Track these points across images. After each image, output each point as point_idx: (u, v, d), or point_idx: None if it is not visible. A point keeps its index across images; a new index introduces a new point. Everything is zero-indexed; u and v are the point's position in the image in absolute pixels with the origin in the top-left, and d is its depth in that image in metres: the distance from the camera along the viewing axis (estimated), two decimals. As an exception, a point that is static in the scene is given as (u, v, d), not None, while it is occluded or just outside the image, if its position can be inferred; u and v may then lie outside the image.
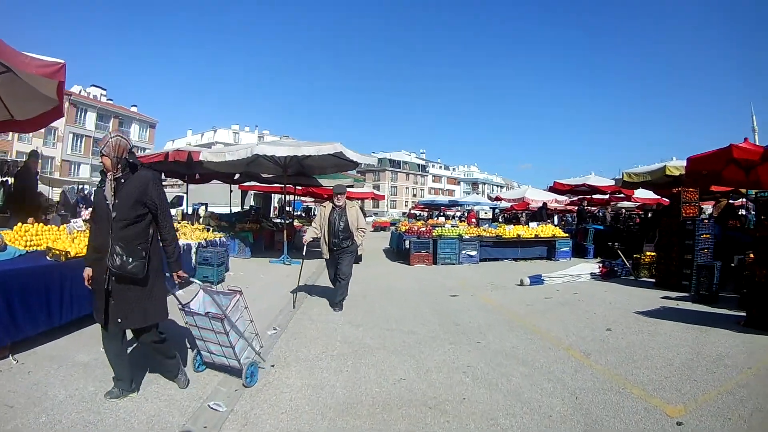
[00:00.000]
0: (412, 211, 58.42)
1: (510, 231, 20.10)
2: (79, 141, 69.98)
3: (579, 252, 21.41)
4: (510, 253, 20.02)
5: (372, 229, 51.08)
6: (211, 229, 16.53)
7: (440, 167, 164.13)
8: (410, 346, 7.41)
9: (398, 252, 21.24)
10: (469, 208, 49.44)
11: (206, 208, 24.63)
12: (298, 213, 41.50)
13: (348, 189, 28.64)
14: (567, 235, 21.40)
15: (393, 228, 28.54)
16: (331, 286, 10.57)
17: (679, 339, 7.90)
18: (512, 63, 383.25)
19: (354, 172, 25.83)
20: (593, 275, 15.02)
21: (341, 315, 9.54)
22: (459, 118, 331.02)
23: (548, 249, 20.67)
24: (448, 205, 54.32)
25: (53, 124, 63.75)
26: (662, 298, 11.78)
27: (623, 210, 38.23)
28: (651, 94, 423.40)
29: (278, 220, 26.70)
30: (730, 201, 19.35)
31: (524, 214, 39.35)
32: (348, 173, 25.21)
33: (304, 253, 10.56)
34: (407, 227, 20.79)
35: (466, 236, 19.13)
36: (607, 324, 8.95)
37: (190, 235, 13.72)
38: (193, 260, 12.70)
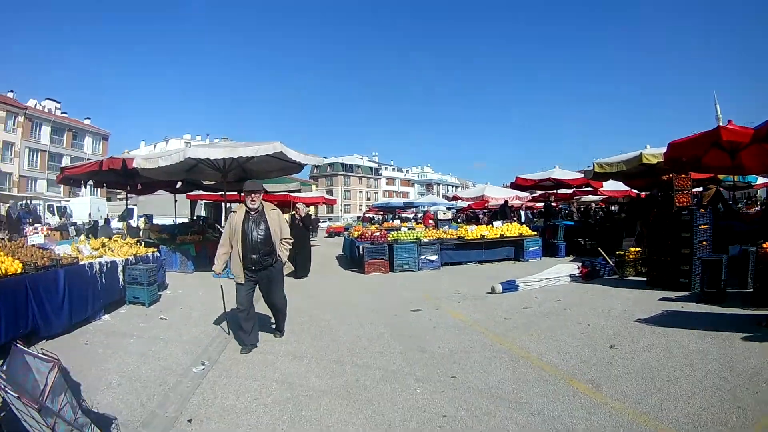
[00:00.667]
0: (367, 215, 57.03)
1: (472, 232, 18.57)
2: (35, 156, 67.33)
3: (549, 251, 19.95)
4: (474, 255, 18.43)
5: (326, 235, 49.58)
6: (143, 243, 14.63)
7: (393, 169, 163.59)
8: (366, 387, 5.75)
9: (352, 259, 19.58)
10: (425, 209, 47.53)
11: (147, 220, 23.10)
12: None
13: (294, 194, 27.54)
14: (535, 233, 19.86)
15: (346, 233, 26.78)
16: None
17: (700, 353, 6.44)
18: (460, 62, 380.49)
19: (299, 175, 24.02)
20: (573, 277, 13.41)
21: (282, 342, 7.96)
22: (410, 121, 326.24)
23: (516, 249, 19.15)
24: (403, 207, 53.03)
25: (9, 139, 62.57)
26: (661, 300, 10.20)
27: (592, 204, 36.81)
28: (604, 83, 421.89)
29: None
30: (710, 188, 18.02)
31: (484, 213, 37.61)
32: (294, 177, 23.19)
33: (218, 275, 8.02)
34: (360, 232, 19.34)
35: (425, 239, 17.48)
36: (609, 339, 7.37)
37: (117, 251, 11.82)
38: (121, 279, 10.98)
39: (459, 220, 32.78)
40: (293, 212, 14.61)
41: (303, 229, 15.11)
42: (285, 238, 7.69)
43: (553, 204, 28.19)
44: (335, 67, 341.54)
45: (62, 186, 52.11)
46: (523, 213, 28.53)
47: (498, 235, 18.74)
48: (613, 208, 31.92)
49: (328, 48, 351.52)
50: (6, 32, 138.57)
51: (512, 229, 19.29)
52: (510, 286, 12.06)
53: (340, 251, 24.75)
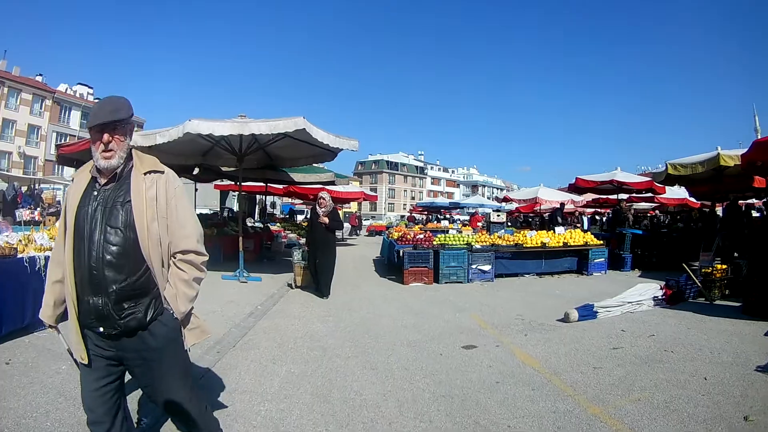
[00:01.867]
0: (413, 214, 54.53)
1: (532, 238, 15.90)
2: (63, 140, 65.57)
3: (613, 263, 17.29)
4: (532, 266, 15.85)
5: (366, 234, 47.29)
6: None
7: (439, 169, 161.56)
8: None
9: (390, 264, 17.13)
10: (472, 210, 45.10)
11: None
12: (284, 216, 37.80)
13: (329, 187, 24.88)
14: (602, 242, 17.11)
15: (385, 233, 24.15)
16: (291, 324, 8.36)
17: None
18: (511, 64, 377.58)
19: (339, 169, 21.58)
20: (656, 300, 10.69)
21: (274, 407, 5.18)
22: (458, 120, 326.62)
23: (579, 260, 16.57)
24: (449, 208, 49.90)
25: (36, 123, 62.37)
26: (771, 335, 7.63)
27: (656, 212, 34.30)
28: (648, 96, 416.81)
29: (256, 224, 23.27)
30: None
31: (531, 217, 35.84)
32: (326, 167, 21.29)
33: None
34: (401, 233, 16.68)
35: (477, 245, 14.91)
36: (737, 404, 5.14)
37: None
38: None
39: (509, 225, 30.07)
40: (317, 204, 12.04)
41: (327, 231, 12.10)
42: (183, 251, 3.14)
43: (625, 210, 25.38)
44: (385, 63, 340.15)
45: None
46: (585, 219, 25.66)
47: (561, 244, 16.10)
48: (661, 217, 29.97)
49: (380, 43, 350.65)
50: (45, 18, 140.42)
51: (576, 236, 16.64)
52: (587, 312, 9.46)
53: (378, 253, 22.21)
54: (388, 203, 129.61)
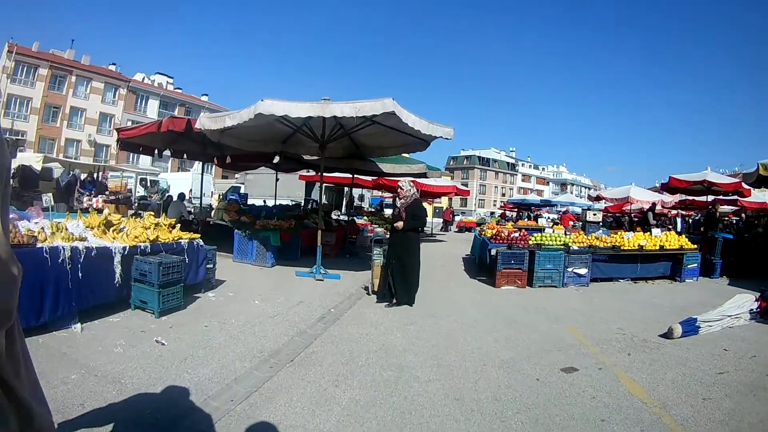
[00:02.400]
0: (505, 211, 53.27)
1: (629, 240, 14.93)
2: (138, 129, 67.40)
3: (704, 269, 16.14)
4: (628, 270, 14.90)
5: (456, 229, 46.03)
6: (180, 226, 10.72)
7: (530, 166, 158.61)
8: None
9: (481, 264, 16.11)
10: (563, 208, 43.90)
11: (223, 196, 20.34)
12: (373, 209, 37.21)
13: (420, 179, 24.15)
14: (695, 246, 16.04)
15: (477, 230, 23.26)
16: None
17: None
18: (602, 62, 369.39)
19: (429, 161, 20.60)
20: (752, 313, 9.81)
21: None
22: (549, 117, 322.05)
23: (672, 265, 15.52)
24: (539, 205, 48.98)
25: (109, 111, 63.64)
26: None
27: (734, 216, 32.38)
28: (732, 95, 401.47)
29: (341, 217, 22.96)
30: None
31: (625, 217, 34.29)
32: (414, 157, 19.84)
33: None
34: (494, 231, 15.85)
35: (575, 247, 14.09)
36: None
37: (128, 233, 8.60)
38: (117, 274, 7.80)
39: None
40: (397, 193, 11.23)
41: (408, 230, 10.37)
42: None
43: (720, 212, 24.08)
44: (480, 60, 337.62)
45: (171, 160, 51.61)
46: (679, 220, 24.38)
47: (657, 247, 15.12)
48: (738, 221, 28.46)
49: (472, 41, 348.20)
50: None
51: (672, 239, 15.55)
52: (690, 328, 8.65)
53: (467, 251, 21.27)
54: (479, 199, 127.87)
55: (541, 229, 17.29)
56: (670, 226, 21.73)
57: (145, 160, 55.74)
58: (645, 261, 15.03)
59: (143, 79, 73.19)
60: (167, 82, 76.63)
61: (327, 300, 10.14)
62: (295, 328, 7.83)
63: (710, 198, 22.77)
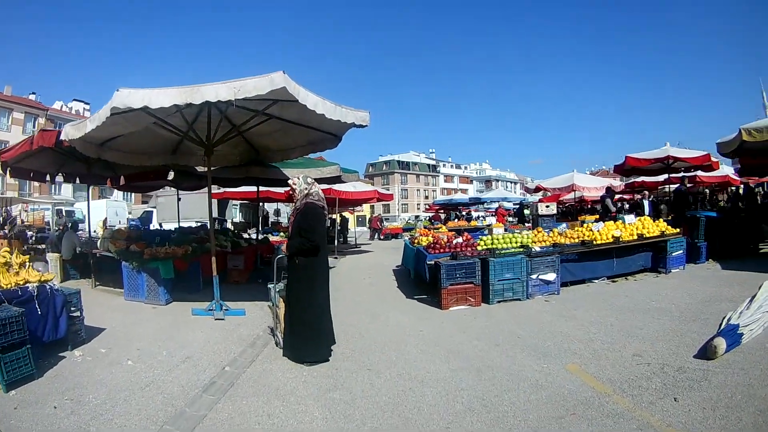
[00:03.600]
0: (439, 213, 50.83)
1: (600, 232, 12.26)
2: (60, 158, 64.23)
3: (687, 254, 13.87)
4: (602, 268, 12.22)
5: (381, 237, 42.77)
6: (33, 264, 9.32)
7: (451, 166, 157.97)
8: None
9: (418, 278, 12.92)
10: (494, 205, 42.38)
11: (104, 223, 17.22)
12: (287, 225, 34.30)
13: (336, 186, 21.09)
14: (678, 231, 13.54)
15: (406, 237, 20.25)
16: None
17: None
18: (514, 57, 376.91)
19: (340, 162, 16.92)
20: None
21: None
22: (466, 115, 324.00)
23: (653, 255, 13.07)
24: (468, 204, 46.28)
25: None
26: None
27: (705, 191, 30.22)
28: (652, 78, 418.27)
29: (252, 237, 19.88)
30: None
31: (571, 207, 33.26)
32: (320, 159, 17.20)
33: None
34: (431, 238, 13.00)
35: (536, 248, 11.23)
36: None
37: None
38: None
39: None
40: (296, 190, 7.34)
41: (301, 240, 6.87)
42: None
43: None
44: (386, 61, 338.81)
45: (90, 188, 46.77)
46: (647, 203, 22.16)
47: (635, 236, 12.55)
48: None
49: (378, 41, 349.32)
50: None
51: (649, 226, 13.09)
52: (733, 338, 6.34)
53: (398, 261, 17.93)
54: (402, 204, 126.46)
55: (480, 230, 15.62)
56: (638, 212, 19.40)
57: (67, 190, 53.07)
58: (621, 254, 12.44)
59: (61, 107, 70.45)
60: (84, 108, 73.00)
61: (223, 351, 7.50)
62: (169, 406, 5.40)
63: (665, 177, 21.27)
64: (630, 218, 13.62)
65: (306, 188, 7.05)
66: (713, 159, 19.26)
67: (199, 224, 23.17)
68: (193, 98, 7.54)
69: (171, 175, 14.72)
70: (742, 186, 25.94)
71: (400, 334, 8.31)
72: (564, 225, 13.85)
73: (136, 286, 11.61)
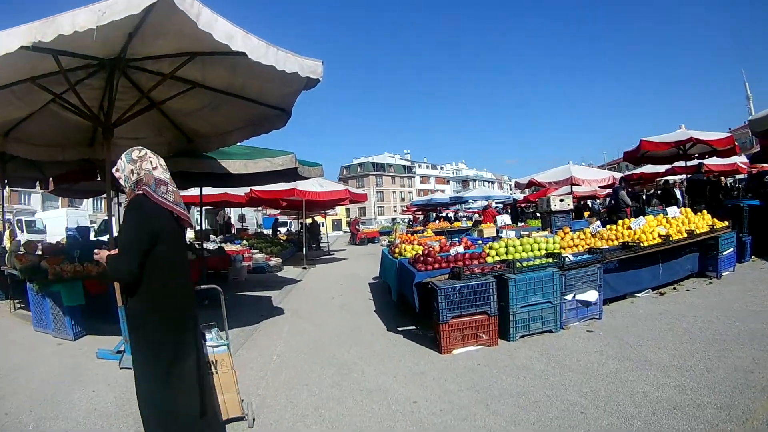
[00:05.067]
0: (417, 214, 48.09)
1: (642, 229, 9.35)
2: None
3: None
4: (647, 277, 9.20)
5: (357, 242, 38.95)
6: None
7: (427, 167, 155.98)
8: None
9: (401, 301, 9.44)
10: (476, 204, 39.97)
11: (11, 231, 13.95)
12: (260, 231, 33.01)
13: (299, 186, 17.64)
14: (726, 224, 10.63)
15: (385, 246, 16.84)
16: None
17: None
18: (489, 57, 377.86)
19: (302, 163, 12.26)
20: None
21: None
22: (441, 115, 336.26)
23: (700, 256, 10.24)
24: (449, 204, 43.46)
25: None
26: None
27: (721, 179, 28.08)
28: (628, 70, 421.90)
29: (209, 245, 17.21)
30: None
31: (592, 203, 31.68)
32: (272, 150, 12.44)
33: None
34: (419, 248, 10.06)
35: (570, 255, 8.14)
36: None
37: None
38: None
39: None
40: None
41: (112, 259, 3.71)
42: None
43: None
44: (358, 61, 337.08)
45: (61, 198, 45.36)
46: (678, 192, 19.62)
47: (684, 234, 9.55)
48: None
49: (350, 41, 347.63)
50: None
51: (696, 220, 10.28)
52: None
53: (374, 271, 14.65)
54: (378, 206, 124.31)
55: (466, 233, 13.42)
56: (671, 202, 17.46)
57: (36, 199, 50.41)
58: (667, 258, 9.45)
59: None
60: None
61: None
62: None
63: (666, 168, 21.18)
64: (673, 211, 10.66)
65: (134, 170, 3.79)
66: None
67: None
68: (45, 34, 4.79)
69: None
70: (747, 174, 23.40)
71: (383, 412, 5.08)
72: (597, 223, 10.62)
73: (42, 314, 9.01)
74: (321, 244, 31.94)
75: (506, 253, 8.02)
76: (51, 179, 14.14)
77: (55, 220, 32.05)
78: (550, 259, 7.77)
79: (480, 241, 10.66)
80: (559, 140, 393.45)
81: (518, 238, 8.56)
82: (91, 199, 34.65)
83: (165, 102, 8.28)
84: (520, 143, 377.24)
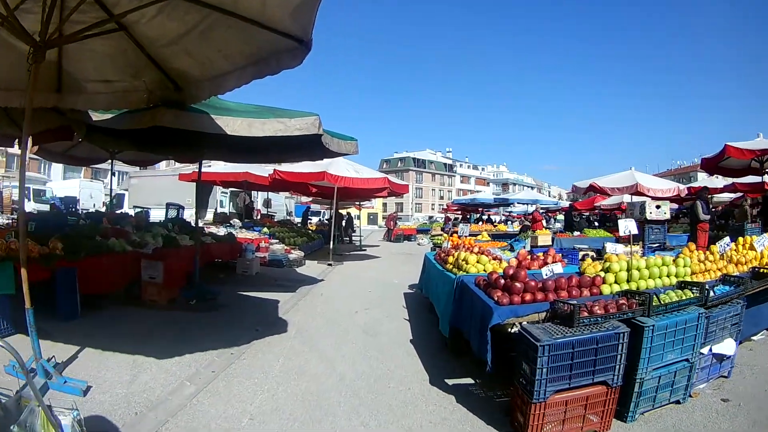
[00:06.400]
0: (451, 214, 45.54)
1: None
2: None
3: None
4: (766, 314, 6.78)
5: (392, 239, 35.49)
6: None
7: (468, 167, 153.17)
8: None
9: (456, 339, 6.41)
10: (523, 208, 37.95)
11: None
12: (289, 218, 31.72)
13: (329, 170, 14.05)
14: None
15: (422, 241, 14.22)
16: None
17: None
18: (535, 61, 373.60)
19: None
20: None
21: None
22: (485, 115, 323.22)
23: None
24: (494, 205, 40.23)
25: None
26: None
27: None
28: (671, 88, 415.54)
29: (220, 231, 15.27)
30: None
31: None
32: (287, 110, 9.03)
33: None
34: (491, 263, 7.42)
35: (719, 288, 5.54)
36: None
37: None
38: None
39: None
40: None
41: None
42: None
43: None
44: (410, 60, 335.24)
45: (84, 169, 45.71)
46: None
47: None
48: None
49: (405, 39, 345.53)
50: None
51: None
52: None
53: (412, 277, 12.21)
54: (416, 203, 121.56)
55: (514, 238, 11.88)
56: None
57: (57, 171, 48.58)
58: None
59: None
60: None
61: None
62: None
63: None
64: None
65: None
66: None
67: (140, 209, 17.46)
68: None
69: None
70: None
71: None
72: (727, 239, 7.85)
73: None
74: (353, 238, 29.91)
75: (628, 279, 5.43)
76: (30, 139, 11.30)
77: (66, 190, 30.10)
78: (689, 293, 5.11)
79: (541, 253, 7.85)
80: (596, 151, 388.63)
81: (652, 257, 6.01)
82: (116, 173, 32.82)
83: (130, 13, 5.38)
84: (562, 150, 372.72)
